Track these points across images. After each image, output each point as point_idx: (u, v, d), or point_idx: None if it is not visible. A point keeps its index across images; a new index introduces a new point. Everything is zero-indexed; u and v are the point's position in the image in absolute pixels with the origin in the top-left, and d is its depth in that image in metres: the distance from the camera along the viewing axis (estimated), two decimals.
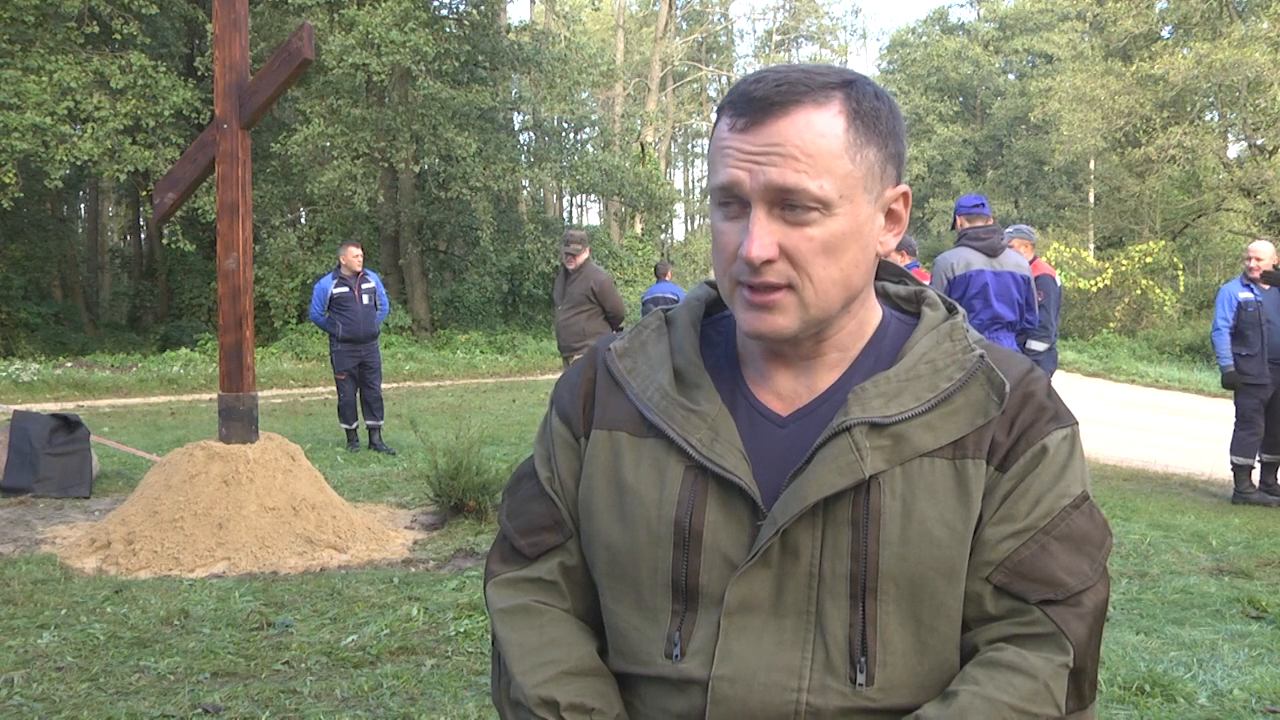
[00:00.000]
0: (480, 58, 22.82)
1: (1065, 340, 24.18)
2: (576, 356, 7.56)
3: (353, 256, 8.91)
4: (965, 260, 5.93)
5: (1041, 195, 38.16)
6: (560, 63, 23.35)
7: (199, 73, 20.98)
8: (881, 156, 1.05)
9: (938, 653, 1.04)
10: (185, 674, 3.45)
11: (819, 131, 1.01)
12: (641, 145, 31.18)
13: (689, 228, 51.27)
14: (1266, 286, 7.31)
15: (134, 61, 18.95)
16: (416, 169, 21.69)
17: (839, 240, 1.02)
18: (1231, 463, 7.58)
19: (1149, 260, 26.49)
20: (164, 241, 21.43)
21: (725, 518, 1.06)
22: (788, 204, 1.01)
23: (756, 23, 66.99)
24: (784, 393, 1.11)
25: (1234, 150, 28.86)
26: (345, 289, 8.81)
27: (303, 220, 24.26)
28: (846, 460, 1.02)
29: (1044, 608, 1.03)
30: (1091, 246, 31.93)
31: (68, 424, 7.06)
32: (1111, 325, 26.58)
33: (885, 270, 1.22)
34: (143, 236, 28.39)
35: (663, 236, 37.92)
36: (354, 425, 9.10)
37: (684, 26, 45.88)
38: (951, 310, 1.16)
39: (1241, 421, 7.45)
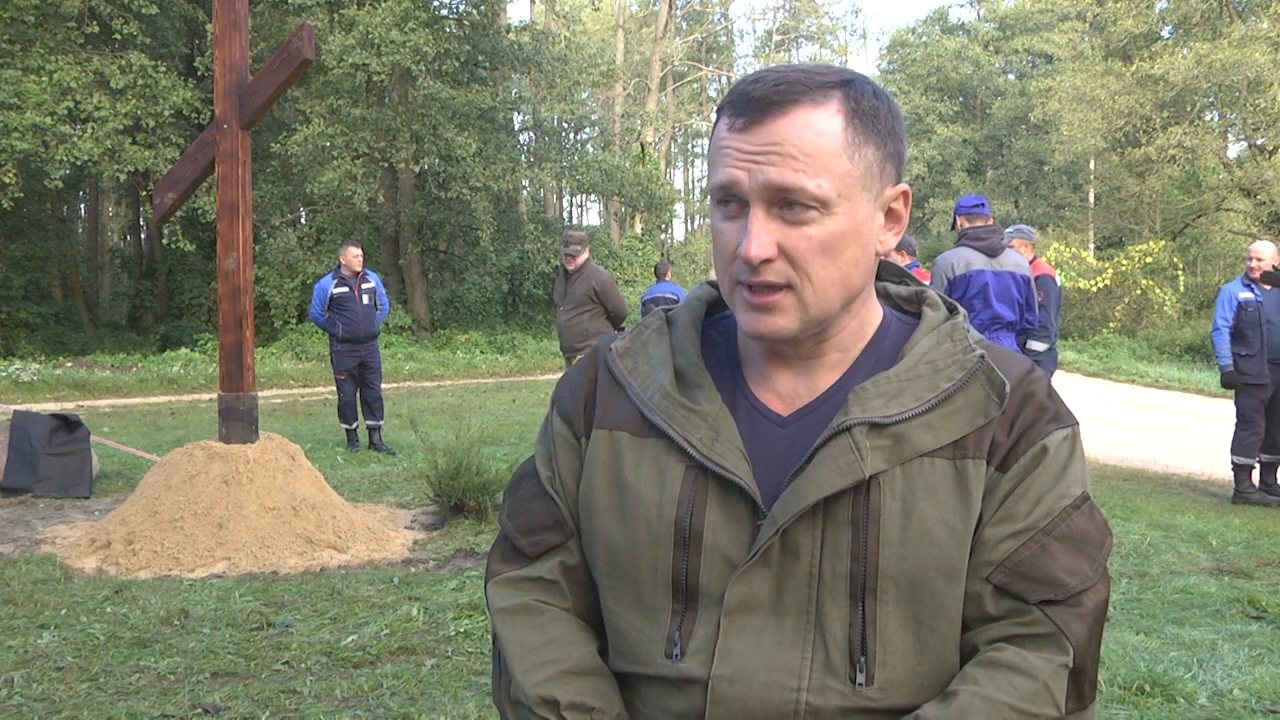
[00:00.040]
0: (480, 58, 22.82)
1: (1065, 340, 24.18)
2: (579, 356, 7.56)
3: (353, 256, 8.91)
4: (965, 260, 5.93)
5: (1041, 195, 38.17)
6: (560, 63, 23.35)
7: (199, 73, 20.98)
8: (880, 155, 1.05)
9: (937, 653, 1.04)
10: (185, 674, 3.45)
11: (817, 131, 1.01)
12: (641, 145, 31.18)
13: (689, 228, 51.29)
14: (1268, 287, 7.31)
15: (134, 61, 18.95)
16: (416, 169, 21.69)
17: (838, 239, 1.03)
18: (1232, 462, 7.59)
19: (1149, 260, 26.49)
20: (164, 241, 21.44)
21: (725, 517, 1.06)
22: (786, 203, 1.01)
23: (756, 23, 67.06)
24: (784, 393, 1.11)
25: (1234, 150, 28.88)
26: (345, 289, 8.81)
27: (303, 220, 24.26)
28: (846, 460, 1.02)
29: (1044, 608, 1.03)
30: (1091, 246, 31.93)
31: (68, 424, 7.06)
32: (1111, 325, 26.58)
33: (886, 271, 1.22)
34: (143, 236, 28.40)
35: (663, 236, 37.93)
36: (354, 425, 9.10)
37: (684, 26, 45.89)
38: (952, 310, 1.16)
39: (1242, 421, 7.45)
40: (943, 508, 1.03)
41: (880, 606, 1.02)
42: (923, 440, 1.04)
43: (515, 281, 24.63)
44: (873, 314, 1.14)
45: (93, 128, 18.53)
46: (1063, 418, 1.09)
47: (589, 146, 29.26)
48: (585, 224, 39.00)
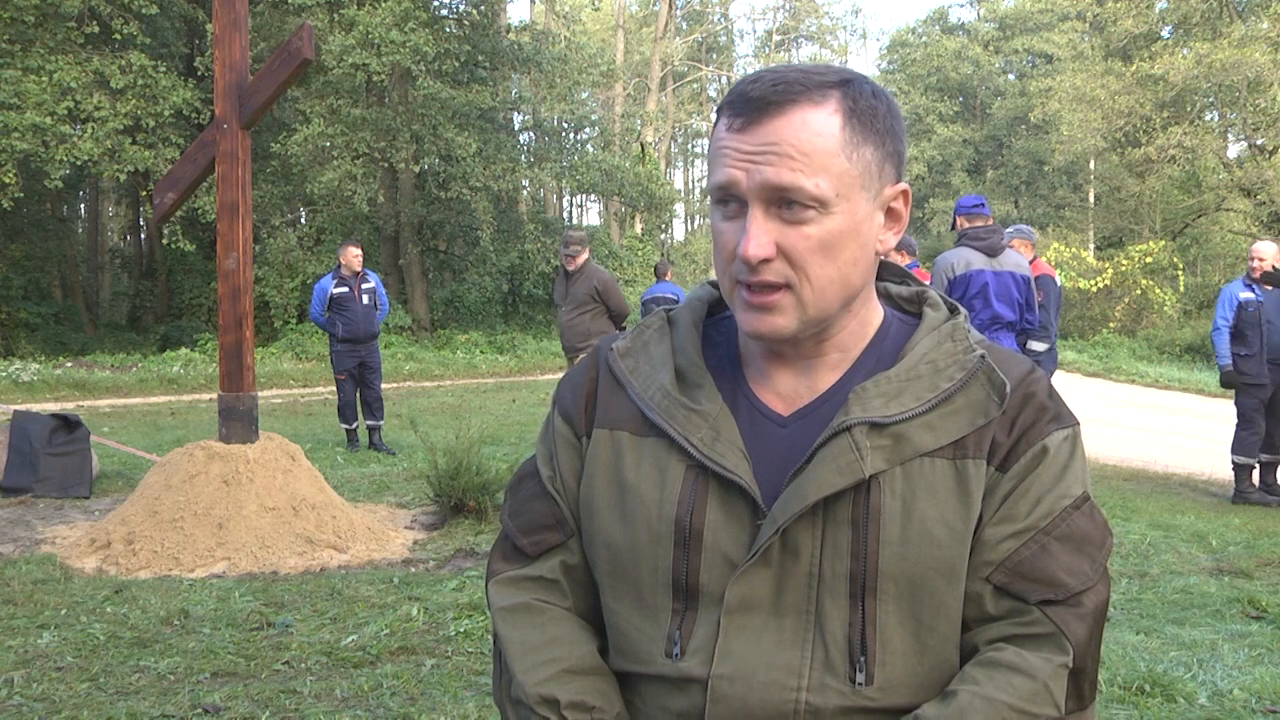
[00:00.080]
0: (480, 58, 22.82)
1: (1065, 340, 24.18)
2: (582, 356, 7.57)
3: (353, 256, 8.91)
4: (965, 260, 5.93)
5: (1041, 195, 38.17)
6: (560, 63, 23.35)
7: (199, 73, 20.98)
8: (879, 155, 1.05)
9: (937, 652, 1.04)
10: (185, 674, 3.45)
11: (815, 130, 1.01)
12: (641, 145, 31.19)
13: (689, 228, 51.30)
14: (1269, 287, 7.31)
15: (134, 61, 18.96)
16: (416, 169, 21.69)
17: (836, 239, 1.03)
18: (1232, 462, 7.59)
19: (1149, 260, 26.49)
20: (164, 241, 21.44)
21: (726, 517, 1.06)
22: (785, 203, 1.01)
23: (756, 23, 67.06)
24: (785, 392, 1.11)
25: (1234, 150, 28.88)
26: (345, 289, 8.81)
27: (303, 220, 24.26)
28: (846, 460, 1.02)
29: (1044, 608, 1.03)
30: (1091, 246, 31.94)
31: (68, 424, 7.06)
32: (1111, 325, 26.58)
33: (888, 271, 1.22)
34: (143, 236, 28.40)
35: (663, 236, 37.93)
36: (354, 425, 9.10)
37: (684, 26, 45.89)
38: (953, 311, 1.16)
39: (1242, 421, 7.46)
40: (943, 508, 1.03)
41: (880, 606, 1.02)
42: (923, 440, 1.04)
43: (515, 281, 24.64)
44: (873, 314, 1.14)
45: (93, 128, 18.53)
46: (1063, 418, 1.09)
47: (589, 146, 29.26)
48: (585, 224, 39.00)
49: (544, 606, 1.15)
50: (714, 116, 1.21)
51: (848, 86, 1.04)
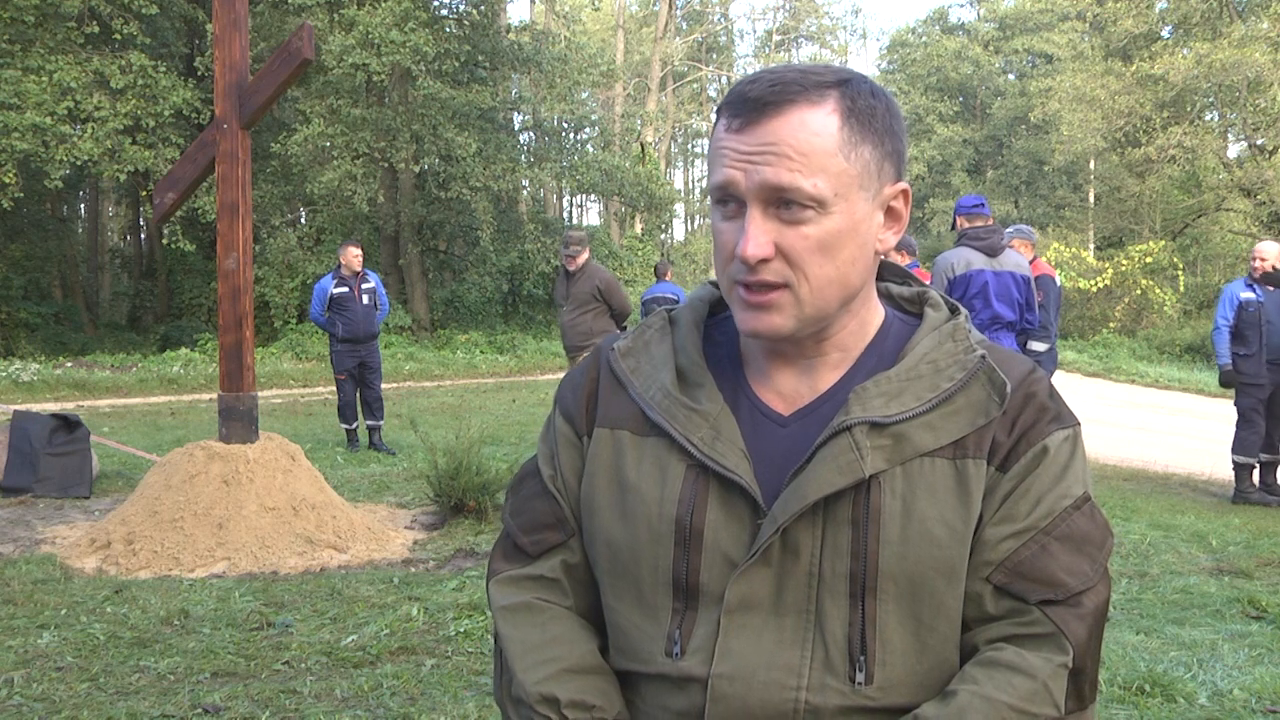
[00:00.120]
0: (480, 58, 22.82)
1: (1065, 340, 24.19)
2: (584, 355, 7.59)
3: (353, 256, 8.91)
4: (965, 260, 5.93)
5: (1041, 195, 38.17)
6: (560, 63, 23.35)
7: (199, 73, 20.98)
8: (878, 154, 1.05)
9: (937, 652, 1.04)
10: (185, 674, 3.46)
11: (813, 130, 1.01)
12: (641, 145, 31.19)
13: (689, 228, 51.30)
14: (1270, 288, 7.32)
15: (134, 61, 18.95)
16: (416, 169, 21.69)
17: (835, 238, 1.03)
18: (1233, 461, 7.60)
19: (1149, 260, 26.49)
20: (164, 241, 21.44)
21: (726, 516, 1.06)
22: (783, 203, 1.02)
23: (756, 23, 67.07)
24: (786, 392, 1.12)
25: (1234, 150, 28.88)
26: (345, 289, 8.81)
27: (303, 220, 24.26)
28: (847, 459, 1.02)
29: (1044, 608, 1.03)
30: (1091, 246, 31.94)
31: (68, 424, 7.06)
32: (1111, 325, 26.58)
33: (889, 271, 1.22)
34: (143, 236, 28.40)
35: (663, 236, 37.93)
36: (354, 425, 9.10)
37: (684, 26, 45.89)
38: (954, 311, 1.16)
39: (1242, 420, 7.47)
40: (943, 507, 1.03)
41: (880, 606, 1.03)
42: (923, 440, 1.04)
43: (515, 281, 24.63)
44: (874, 314, 1.14)
45: (93, 128, 18.53)
46: (1064, 418, 1.09)
47: (589, 146, 29.26)
48: (585, 224, 39.00)
49: (545, 605, 1.16)
50: (714, 117, 1.21)
51: (846, 86, 1.04)
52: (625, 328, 7.95)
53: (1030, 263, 6.69)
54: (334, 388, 10.09)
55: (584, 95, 31.69)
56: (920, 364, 1.08)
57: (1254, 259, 7.46)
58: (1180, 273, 28.10)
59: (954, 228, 6.28)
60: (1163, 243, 27.61)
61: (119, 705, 3.16)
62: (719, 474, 1.06)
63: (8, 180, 17.95)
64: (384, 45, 19.09)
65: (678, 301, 10.33)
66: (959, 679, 1.03)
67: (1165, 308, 26.62)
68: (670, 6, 37.71)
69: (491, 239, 22.51)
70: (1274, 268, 7.34)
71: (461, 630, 3.88)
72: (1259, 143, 25.54)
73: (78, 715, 3.08)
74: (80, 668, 3.49)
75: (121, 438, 9.35)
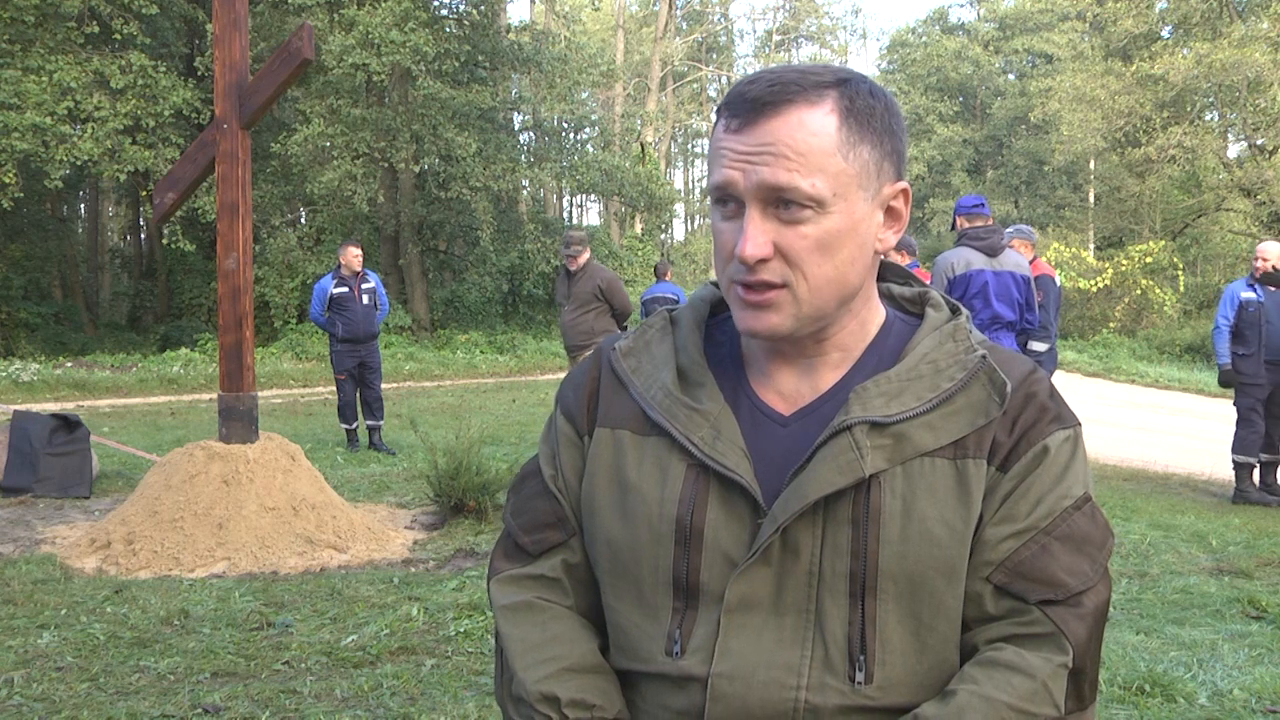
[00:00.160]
0: (480, 58, 22.82)
1: (1065, 340, 24.19)
2: (585, 355, 7.60)
3: (352, 256, 8.91)
4: (965, 260, 5.93)
5: (1041, 195, 38.17)
6: (560, 63, 23.35)
7: (199, 73, 20.98)
8: (877, 154, 1.05)
9: (937, 652, 1.04)
10: (185, 674, 3.46)
11: (811, 130, 1.01)
12: (641, 145, 31.19)
13: (689, 228, 51.32)
14: (1272, 288, 7.32)
15: (134, 61, 18.95)
16: (416, 169, 21.69)
17: (833, 238, 1.03)
18: (1233, 461, 7.60)
19: (1149, 260, 26.49)
20: (164, 241, 21.44)
21: (726, 516, 1.06)
22: (781, 203, 1.02)
23: (756, 23, 67.09)
24: (787, 392, 1.12)
25: (1234, 150, 28.88)
26: (345, 289, 8.81)
27: (303, 220, 24.26)
28: (847, 459, 1.03)
29: (1043, 608, 1.03)
30: (1091, 246, 31.93)
31: (68, 424, 7.06)
32: (1111, 325, 26.58)
33: (891, 272, 1.23)
34: (143, 236, 28.40)
35: (663, 236, 37.94)
36: (354, 425, 9.10)
37: (684, 26, 45.89)
38: (955, 311, 1.16)
39: (1241, 420, 7.49)
40: (943, 507, 1.03)
41: (880, 605, 1.03)
42: (923, 440, 1.04)
43: (515, 281, 24.63)
44: (874, 314, 1.14)
45: (93, 128, 18.53)
46: (1065, 419, 1.09)
47: (589, 146, 29.26)
48: (585, 224, 38.99)
49: (545, 605, 1.16)
50: (714, 117, 1.21)
51: (844, 86, 1.04)
52: (626, 327, 7.96)
53: (1030, 263, 6.69)
54: (334, 388, 10.09)
55: (584, 95, 31.70)
56: (921, 364, 1.08)
57: (1256, 259, 7.47)
58: (1180, 273, 28.11)
59: (954, 228, 6.28)
60: (1163, 243, 27.61)
61: (119, 705, 3.16)
62: (719, 473, 1.06)
63: (8, 180, 17.95)
64: (384, 45, 19.09)
65: (678, 301, 10.33)
66: (958, 679, 1.03)
67: (1165, 308, 26.62)
68: (670, 6, 37.71)
69: (491, 239, 22.51)
70: (1274, 268, 7.34)
71: (461, 630, 3.88)
72: (1259, 143, 25.54)
73: (78, 715, 3.08)
74: (80, 668, 3.49)
75: (121, 438, 9.35)
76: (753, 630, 1.04)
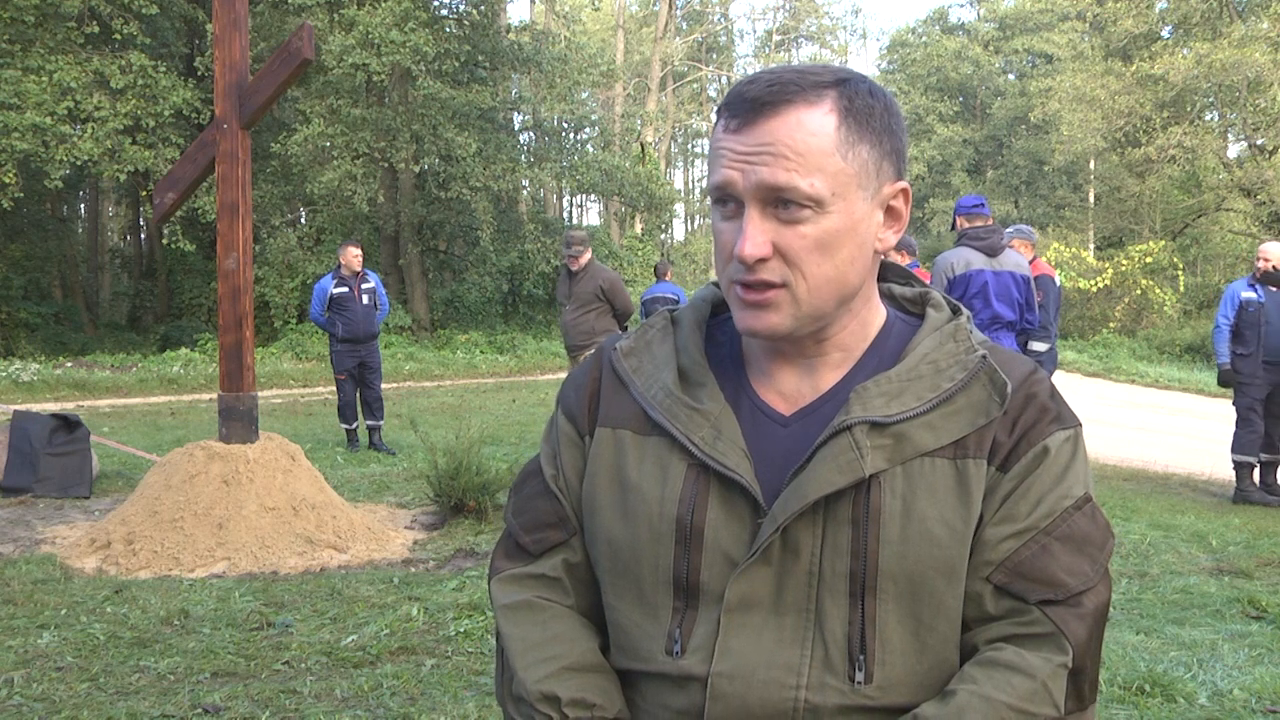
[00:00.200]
0: (480, 58, 22.82)
1: (1065, 340, 24.19)
2: (585, 354, 7.60)
3: (352, 256, 8.91)
4: (965, 260, 5.93)
5: (1041, 195, 38.17)
6: (560, 63, 23.35)
7: (199, 73, 20.98)
8: (876, 153, 1.05)
9: (937, 652, 1.04)
10: (185, 674, 3.46)
11: (810, 130, 1.01)
12: (641, 145, 31.19)
13: (689, 228, 51.32)
14: (1273, 288, 7.33)
15: (134, 61, 18.95)
16: (416, 169, 21.68)
17: (832, 238, 1.03)
18: (1233, 461, 7.61)
19: (1149, 260, 26.49)
20: (164, 241, 21.43)
21: (726, 515, 1.06)
22: (780, 202, 1.02)
23: (756, 23, 67.08)
24: (787, 392, 1.12)
25: (1234, 150, 28.88)
26: (345, 289, 8.81)
27: (303, 220, 24.26)
28: (847, 459, 1.03)
29: (1043, 608, 1.03)
30: (1091, 246, 31.94)
31: (68, 424, 7.06)
32: (1111, 325, 26.58)
33: (892, 272, 1.23)
34: (143, 236, 28.40)
35: (663, 236, 37.93)
36: (354, 425, 9.10)
37: (684, 26, 45.89)
38: (956, 311, 1.16)
39: (1240, 420, 7.50)
40: (943, 507, 1.03)
41: (880, 605, 1.03)
42: (924, 440, 1.04)
43: (515, 281, 24.63)
44: (875, 314, 1.14)
45: (93, 128, 18.52)
46: (1065, 419, 1.09)
47: (589, 146, 29.26)
48: (585, 224, 38.98)
49: (546, 604, 1.16)
50: (714, 117, 1.21)
51: (844, 86, 1.04)
52: (627, 328, 7.96)
53: (1030, 263, 6.69)
54: (334, 388, 10.09)
55: (584, 95, 31.70)
56: (921, 364, 1.08)
57: (1258, 259, 7.48)
58: (1180, 273, 28.11)
59: (954, 228, 6.28)
60: (1163, 243, 27.61)
61: (119, 705, 3.16)
62: (720, 473, 1.06)
63: (8, 180, 17.95)
64: (384, 45, 19.09)
65: (678, 301, 10.33)
66: (958, 679, 1.03)
67: (1165, 308, 26.62)
68: (670, 6, 37.71)
69: (491, 239, 22.51)
70: (1274, 268, 7.35)
71: (461, 630, 3.88)
72: (1259, 143, 25.54)
73: (78, 715, 3.08)
74: (80, 668, 3.49)
75: (121, 438, 9.35)
76: (753, 630, 1.04)
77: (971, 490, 1.04)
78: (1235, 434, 7.51)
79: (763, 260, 1.02)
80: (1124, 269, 26.43)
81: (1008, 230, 6.86)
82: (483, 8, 22.74)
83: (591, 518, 1.14)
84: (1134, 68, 25.46)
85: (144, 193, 21.67)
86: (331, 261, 18.60)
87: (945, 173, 41.79)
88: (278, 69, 5.46)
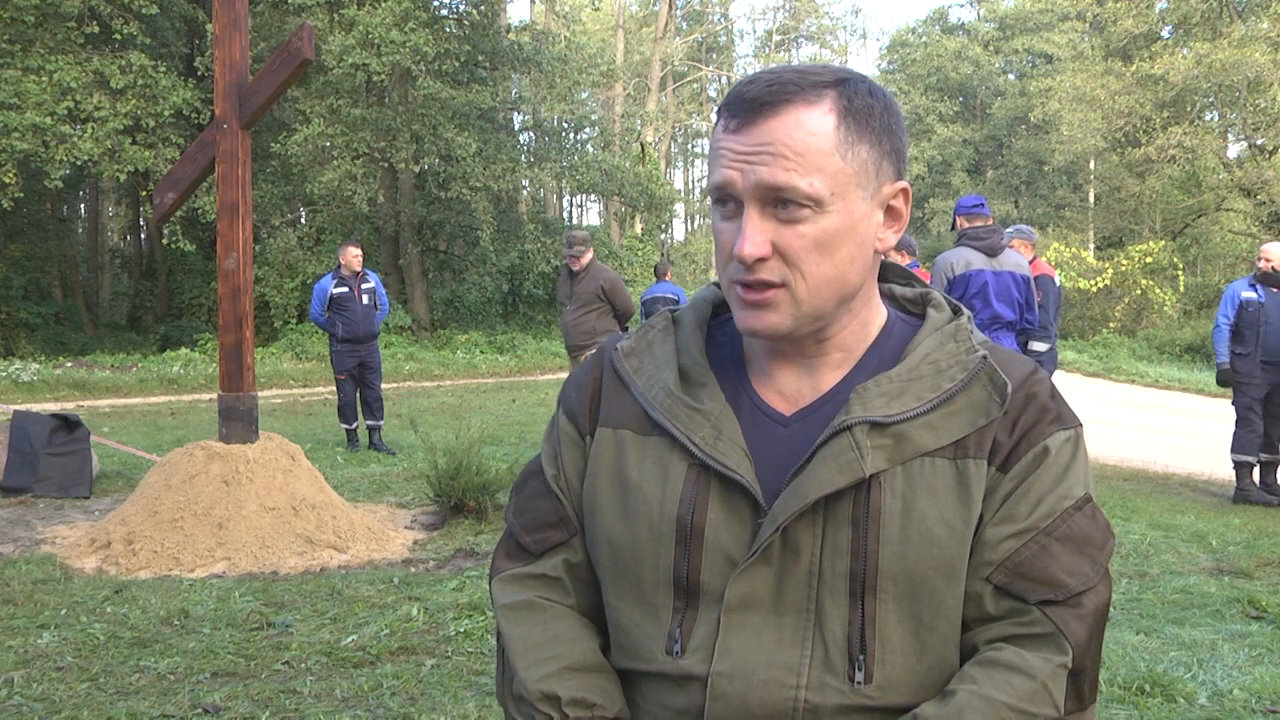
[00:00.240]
0: (480, 58, 22.82)
1: (1065, 340, 24.19)
2: (586, 354, 7.61)
3: (352, 256, 8.91)
4: (965, 260, 5.93)
5: (1041, 195, 38.17)
6: (560, 63, 23.35)
7: (199, 73, 20.98)
8: (876, 153, 1.05)
9: (937, 652, 1.04)
10: (185, 674, 3.46)
11: (809, 130, 1.01)
12: (641, 145, 31.19)
13: (689, 228, 51.32)
14: (1274, 289, 7.33)
15: (134, 61, 18.95)
16: (416, 169, 21.68)
17: (832, 237, 1.03)
18: (1232, 460, 7.62)
19: (1149, 260, 26.50)
20: (164, 241, 21.44)
21: (727, 515, 1.06)
22: (780, 202, 1.02)
23: (756, 23, 67.10)
24: (788, 392, 1.12)
25: (1234, 150, 28.88)
26: (345, 289, 8.81)
27: (303, 220, 24.26)
28: (847, 459, 1.03)
29: (1043, 608, 1.03)
30: (1091, 246, 31.94)
31: (68, 424, 7.06)
32: (1111, 325, 26.58)
33: (893, 273, 1.23)
34: (143, 236, 28.40)
35: (663, 236, 37.93)
36: (354, 425, 9.10)
37: (684, 26, 45.90)
38: (957, 312, 1.16)
39: (1239, 420, 7.51)
40: (943, 507, 1.03)
41: (880, 605, 1.03)
42: (924, 440, 1.04)
43: (515, 281, 24.63)
44: (875, 314, 1.14)
45: (93, 128, 18.52)
46: (1065, 419, 1.09)
47: (589, 146, 29.26)
48: (585, 224, 38.98)
49: (546, 604, 1.16)
50: (714, 117, 1.21)
51: (843, 86, 1.04)
52: (628, 328, 7.96)
53: (1030, 263, 6.69)
54: (334, 388, 10.09)
55: (584, 95, 31.70)
56: (922, 364, 1.08)
57: (1259, 259, 7.49)
58: (1180, 273, 28.11)
59: (954, 228, 6.28)
60: (1163, 243, 27.61)
61: (119, 705, 3.16)
62: (720, 473, 1.07)
63: (8, 180, 17.95)
64: (384, 45, 19.09)
65: (678, 301, 10.32)
66: (958, 679, 1.03)
67: (1165, 308, 26.63)
68: (670, 6, 37.71)
69: (491, 239, 22.51)
70: (1274, 269, 7.35)
71: (461, 630, 3.88)
72: (1259, 143, 25.54)
73: (78, 715, 3.08)
74: (80, 668, 3.49)
75: (121, 438, 9.35)
76: (753, 629, 1.04)
77: (972, 490, 1.04)
78: (1235, 434, 7.52)
79: (762, 260, 1.02)
80: (1124, 269, 26.43)
81: (1008, 230, 6.87)
82: (483, 8, 22.74)
83: (592, 518, 1.14)
84: (1134, 68, 25.46)
85: (144, 193, 21.67)
86: (331, 261, 18.60)
87: (945, 173, 41.79)
88: (278, 69, 5.46)
